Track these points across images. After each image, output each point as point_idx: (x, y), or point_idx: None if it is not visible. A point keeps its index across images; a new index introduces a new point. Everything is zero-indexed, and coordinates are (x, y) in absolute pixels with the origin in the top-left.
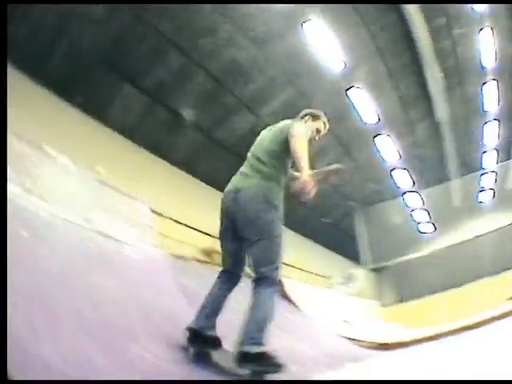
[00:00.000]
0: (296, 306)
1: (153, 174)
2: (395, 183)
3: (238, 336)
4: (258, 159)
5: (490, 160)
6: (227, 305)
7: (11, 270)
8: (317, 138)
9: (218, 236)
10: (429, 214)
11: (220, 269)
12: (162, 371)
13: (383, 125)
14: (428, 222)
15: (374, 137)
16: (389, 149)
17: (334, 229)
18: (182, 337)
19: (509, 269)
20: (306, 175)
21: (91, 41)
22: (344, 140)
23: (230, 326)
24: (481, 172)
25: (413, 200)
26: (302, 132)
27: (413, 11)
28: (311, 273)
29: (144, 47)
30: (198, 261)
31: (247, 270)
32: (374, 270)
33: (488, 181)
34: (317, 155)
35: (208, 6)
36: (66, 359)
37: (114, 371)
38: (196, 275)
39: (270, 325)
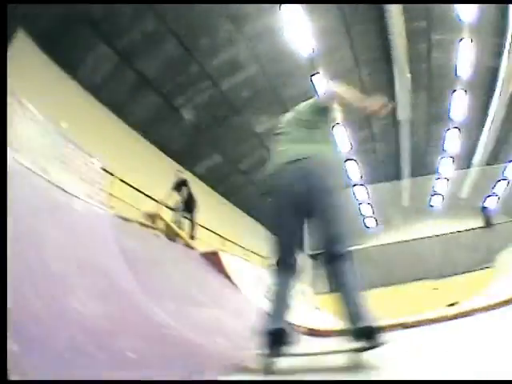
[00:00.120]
0: (231, 281)
1: (110, 134)
2: (347, 174)
3: (345, 317)
4: (306, 126)
5: (447, 166)
6: None
7: None
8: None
9: (163, 202)
10: (372, 208)
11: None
12: (95, 326)
13: (341, 113)
14: (371, 217)
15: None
16: (341, 138)
17: None
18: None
19: (450, 275)
20: (368, 102)
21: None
22: None
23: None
24: (436, 176)
25: (361, 193)
26: (338, 86)
27: (394, 10)
28: (250, 251)
29: (125, 9)
30: (142, 224)
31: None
32: (312, 256)
33: (441, 186)
34: (268, 135)
35: None
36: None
37: (50, 319)
38: (137, 238)
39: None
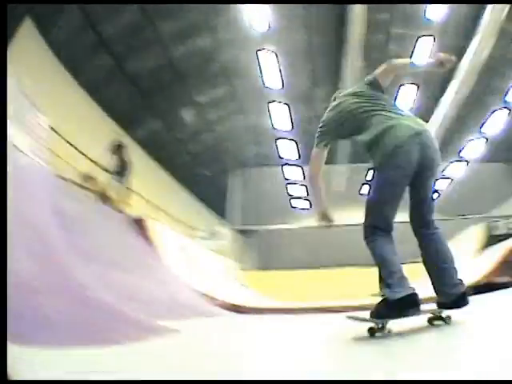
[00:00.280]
0: (155, 249)
1: (61, 91)
2: (278, 153)
3: (439, 283)
4: (391, 104)
5: None
6: None
7: None
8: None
9: (99, 164)
10: (307, 189)
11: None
12: (32, 285)
13: (284, 92)
14: (306, 199)
15: (269, 102)
16: (283, 117)
17: (210, 183)
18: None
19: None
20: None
21: None
22: (240, 96)
23: None
24: (369, 166)
25: (293, 173)
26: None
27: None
28: (178, 220)
29: None
30: (76, 184)
31: None
32: (241, 231)
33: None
34: (209, 106)
35: None
36: None
37: None
38: (71, 198)
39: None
